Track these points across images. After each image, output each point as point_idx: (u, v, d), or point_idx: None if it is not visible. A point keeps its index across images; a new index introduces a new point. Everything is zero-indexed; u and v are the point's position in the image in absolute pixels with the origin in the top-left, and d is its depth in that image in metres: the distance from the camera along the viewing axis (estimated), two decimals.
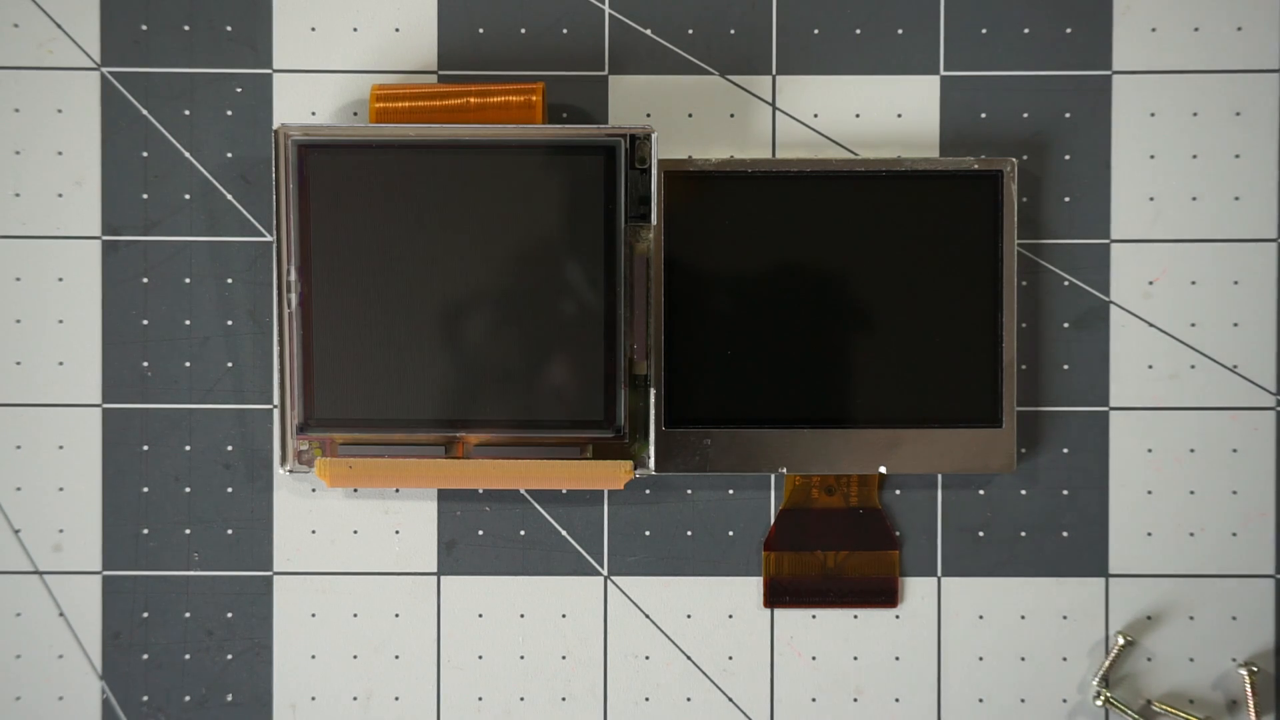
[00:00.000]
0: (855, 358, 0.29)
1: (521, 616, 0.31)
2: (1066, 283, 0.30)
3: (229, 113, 0.30)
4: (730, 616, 0.31)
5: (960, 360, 0.29)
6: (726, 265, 0.29)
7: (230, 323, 0.31)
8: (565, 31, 0.31)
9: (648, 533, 0.31)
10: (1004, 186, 0.29)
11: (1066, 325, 0.30)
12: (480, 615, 0.31)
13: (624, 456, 0.29)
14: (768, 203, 0.29)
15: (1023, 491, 0.31)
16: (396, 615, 0.31)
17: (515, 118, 0.29)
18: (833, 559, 0.30)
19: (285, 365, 0.29)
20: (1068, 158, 0.30)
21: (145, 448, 0.31)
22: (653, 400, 0.29)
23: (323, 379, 0.29)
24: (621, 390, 0.29)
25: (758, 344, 0.29)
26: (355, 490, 0.31)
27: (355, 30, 0.31)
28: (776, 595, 0.30)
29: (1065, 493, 0.31)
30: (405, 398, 0.29)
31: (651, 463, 0.29)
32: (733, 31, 0.31)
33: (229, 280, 0.30)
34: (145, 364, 0.30)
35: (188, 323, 0.30)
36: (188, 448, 0.31)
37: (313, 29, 0.30)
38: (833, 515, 0.30)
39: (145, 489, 0.31)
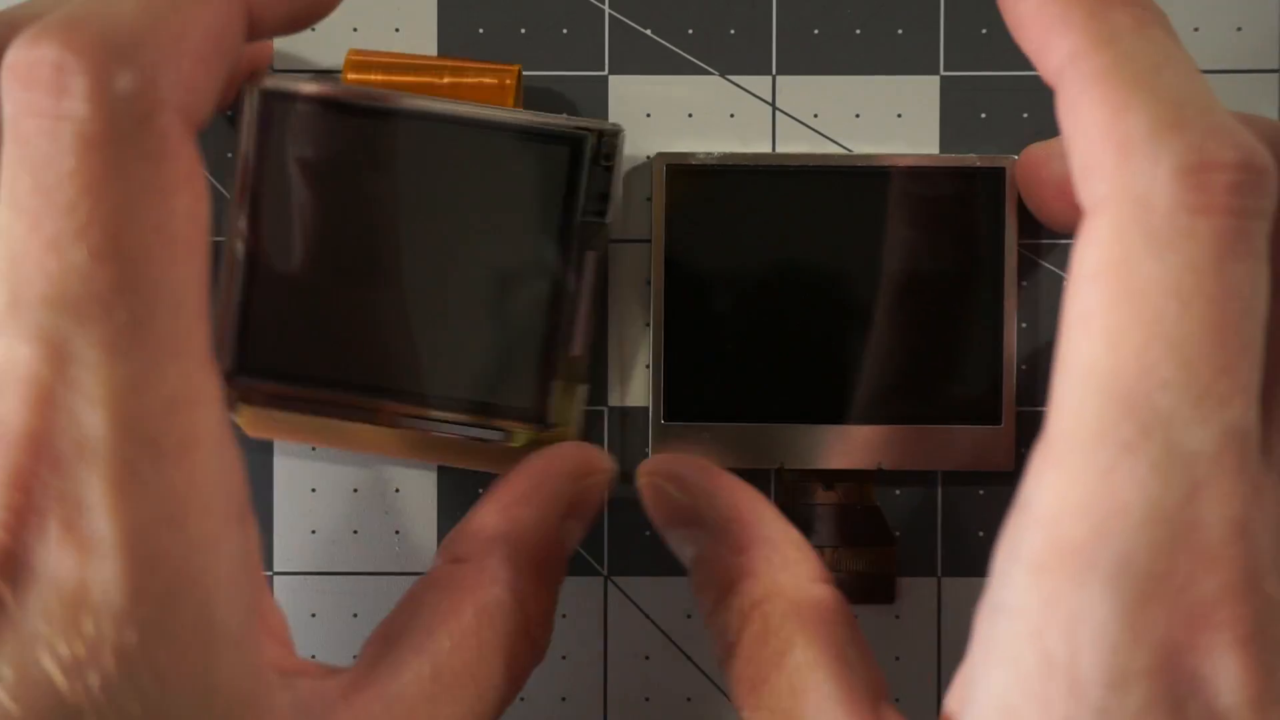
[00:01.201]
0: (855, 354, 0.29)
1: None
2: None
3: (228, 112, 0.30)
4: None
5: (960, 358, 0.29)
6: (727, 260, 0.29)
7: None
8: (565, 31, 0.31)
9: (648, 533, 0.31)
10: (1006, 184, 0.29)
11: None
12: None
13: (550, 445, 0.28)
14: (769, 197, 0.29)
15: None
16: None
17: (488, 98, 0.28)
18: (829, 555, 0.30)
19: (226, 312, 0.28)
20: None
21: None
22: (581, 398, 0.28)
23: (259, 329, 0.28)
24: (555, 384, 0.28)
25: (758, 339, 0.29)
26: (356, 490, 0.31)
27: (355, 30, 0.31)
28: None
29: None
30: (338, 359, 0.28)
31: None
32: (733, 31, 0.31)
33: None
34: None
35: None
36: None
37: (312, 28, 0.30)
38: (830, 511, 0.30)
39: None
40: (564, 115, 0.28)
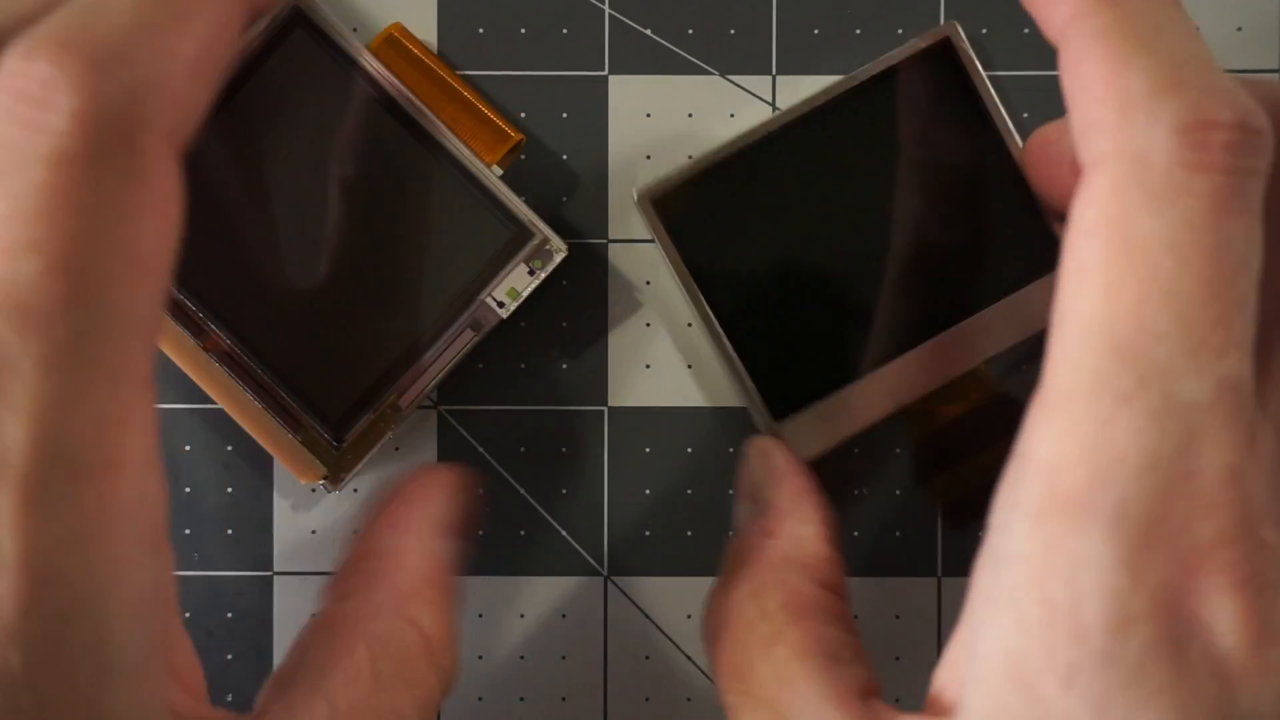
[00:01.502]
0: (909, 272, 0.28)
1: (521, 616, 0.31)
2: None
3: None
4: None
5: (1001, 226, 0.28)
6: (752, 248, 0.29)
7: None
8: (565, 31, 0.31)
9: (648, 533, 0.31)
10: (958, 49, 0.28)
11: None
12: (480, 615, 0.31)
13: (328, 461, 0.29)
14: (756, 176, 0.28)
15: None
16: None
17: (476, 145, 0.28)
18: (988, 456, 0.29)
19: None
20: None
21: None
22: (375, 444, 0.28)
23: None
24: (366, 418, 0.28)
25: (815, 303, 0.28)
26: (356, 490, 0.31)
27: (355, 30, 0.31)
28: (958, 518, 0.30)
29: None
30: (213, 277, 0.28)
31: (331, 484, 0.29)
32: (733, 31, 0.31)
33: None
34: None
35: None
36: (188, 448, 0.31)
37: None
38: (964, 420, 0.30)
39: None
40: (527, 206, 0.28)
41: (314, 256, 0.28)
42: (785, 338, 0.28)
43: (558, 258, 0.28)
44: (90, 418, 0.18)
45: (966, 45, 0.28)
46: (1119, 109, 0.19)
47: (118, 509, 0.18)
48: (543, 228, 0.28)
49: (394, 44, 0.29)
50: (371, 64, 0.28)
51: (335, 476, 0.29)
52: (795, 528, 0.26)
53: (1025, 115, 0.30)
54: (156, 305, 0.19)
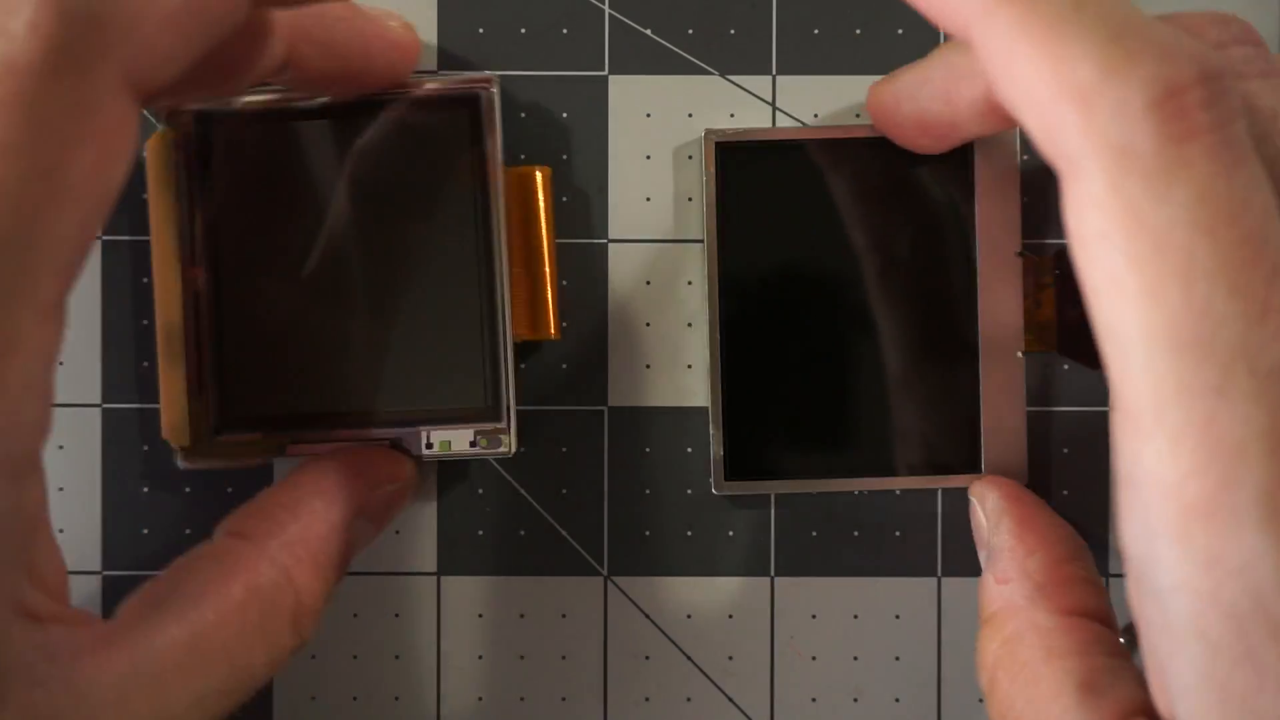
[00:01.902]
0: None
1: (521, 616, 0.31)
2: None
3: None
4: (730, 616, 0.31)
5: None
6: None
7: None
8: (565, 31, 0.31)
9: (648, 533, 0.31)
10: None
11: None
12: (480, 615, 0.31)
13: (198, 438, 0.29)
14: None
15: None
16: (396, 615, 0.31)
17: (517, 313, 0.29)
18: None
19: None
20: None
21: (145, 448, 0.31)
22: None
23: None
24: (258, 432, 0.28)
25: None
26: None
27: None
28: (1070, 343, 0.29)
29: (1065, 493, 0.31)
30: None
31: (184, 457, 0.29)
32: (733, 31, 0.31)
33: None
34: (145, 364, 0.30)
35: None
36: None
37: None
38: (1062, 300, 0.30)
39: (145, 488, 0.31)
40: (514, 396, 0.28)
41: (331, 280, 0.28)
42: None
43: (500, 453, 0.28)
44: None
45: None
46: (1079, 105, 0.18)
47: None
48: (512, 422, 0.28)
49: (523, 180, 0.29)
50: (496, 181, 0.28)
51: (190, 455, 0.29)
52: (1024, 565, 0.26)
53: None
54: (78, 236, 0.19)
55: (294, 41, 0.25)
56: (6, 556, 0.20)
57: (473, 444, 0.28)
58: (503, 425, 0.28)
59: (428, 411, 0.28)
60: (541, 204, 0.29)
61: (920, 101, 0.27)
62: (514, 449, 0.28)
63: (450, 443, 0.28)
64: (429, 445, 0.28)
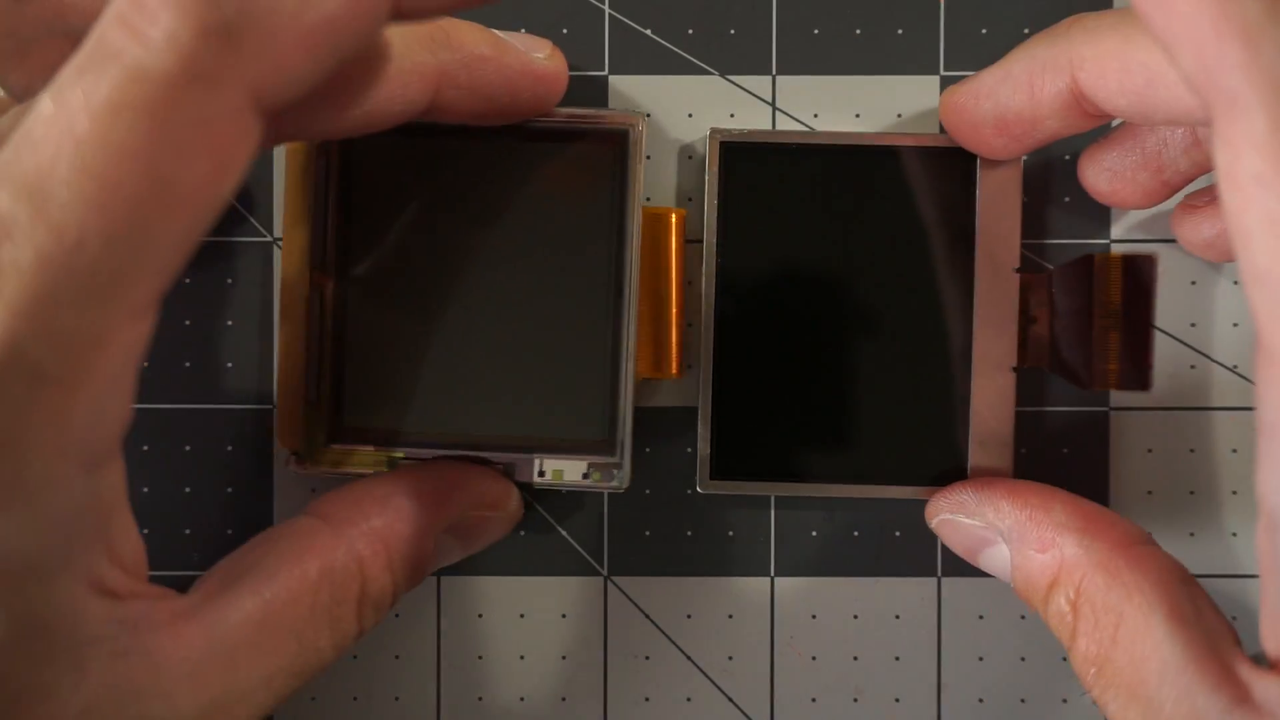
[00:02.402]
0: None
1: (521, 616, 0.31)
2: None
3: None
4: (730, 616, 0.31)
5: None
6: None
7: (230, 323, 0.31)
8: (565, 31, 0.31)
9: (648, 533, 0.31)
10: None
11: None
12: (480, 615, 0.31)
13: (311, 445, 0.29)
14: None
15: None
16: (397, 615, 0.31)
17: (640, 350, 0.29)
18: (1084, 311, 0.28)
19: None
20: (1068, 158, 0.30)
21: (145, 448, 0.31)
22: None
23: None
24: (373, 446, 0.29)
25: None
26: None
27: None
28: (1062, 362, 0.29)
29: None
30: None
31: (297, 464, 0.29)
32: (733, 31, 0.31)
33: (229, 280, 0.31)
34: (145, 364, 0.30)
35: (188, 323, 0.30)
36: (188, 448, 0.31)
37: None
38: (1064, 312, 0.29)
39: (145, 489, 0.31)
40: (631, 431, 0.28)
41: (458, 301, 0.28)
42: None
43: (612, 487, 0.28)
44: (66, 328, 0.18)
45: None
46: (1244, 41, 0.18)
47: (63, 422, 0.19)
48: (627, 457, 0.28)
49: (657, 220, 0.29)
50: (635, 218, 0.28)
51: (303, 461, 0.29)
52: (1056, 521, 0.26)
53: None
54: (180, 242, 0.19)
55: (439, 87, 0.25)
56: (85, 539, 0.20)
57: (585, 475, 0.28)
58: (616, 459, 0.28)
59: (542, 440, 0.29)
60: (674, 245, 0.29)
61: (1001, 98, 0.27)
62: (627, 484, 0.28)
63: (563, 472, 0.28)
64: (541, 473, 0.28)
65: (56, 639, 0.20)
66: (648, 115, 0.29)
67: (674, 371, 0.29)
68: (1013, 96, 0.26)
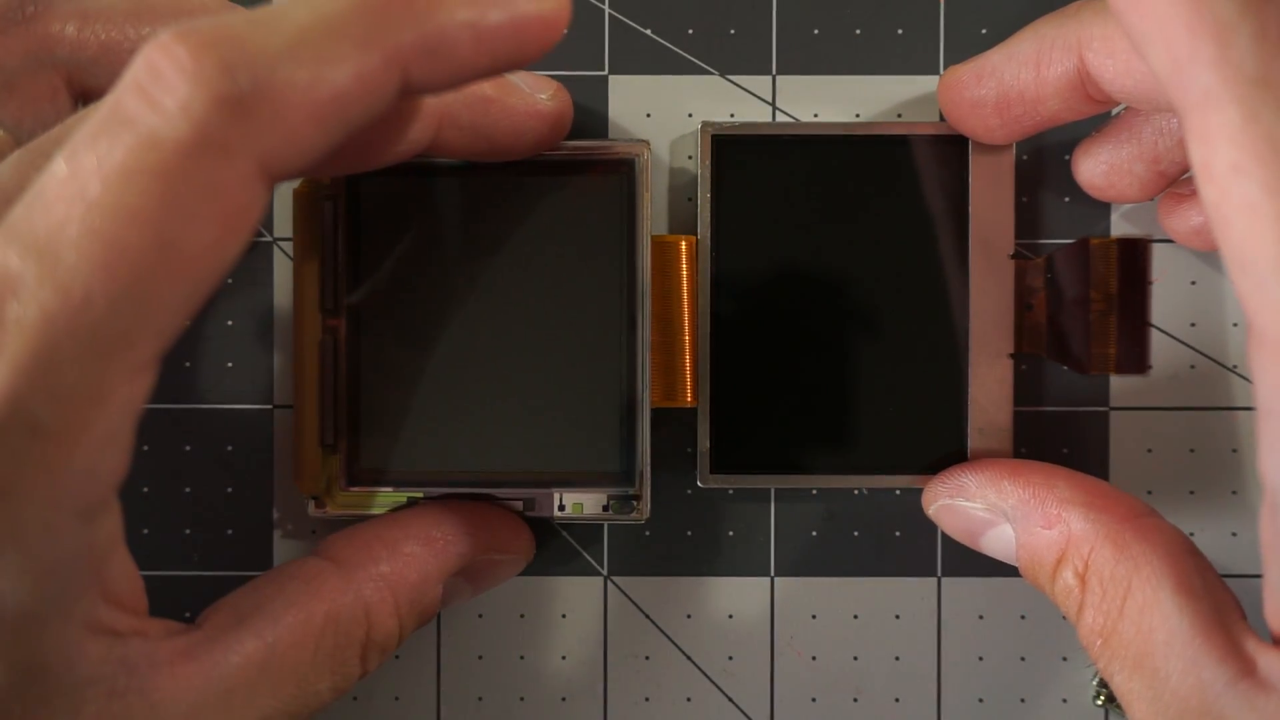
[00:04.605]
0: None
1: (521, 616, 0.31)
2: None
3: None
4: (730, 616, 0.31)
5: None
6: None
7: (230, 323, 0.31)
8: (565, 31, 0.30)
9: (648, 533, 0.31)
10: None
11: None
12: (480, 615, 0.31)
13: (329, 488, 0.29)
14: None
15: None
16: None
17: (653, 379, 0.29)
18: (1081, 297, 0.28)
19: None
20: (1067, 158, 0.30)
21: (145, 448, 0.31)
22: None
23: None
24: (391, 488, 0.29)
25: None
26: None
27: None
28: (1060, 347, 0.29)
29: None
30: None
31: (317, 506, 0.29)
32: (733, 31, 0.31)
33: (229, 280, 0.31)
34: None
35: (187, 322, 0.30)
36: (188, 448, 0.31)
37: None
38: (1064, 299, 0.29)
39: (145, 489, 0.31)
40: (649, 459, 0.28)
41: (470, 338, 0.28)
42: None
43: (631, 518, 0.28)
44: (66, 385, 0.18)
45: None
46: (1217, 39, 0.19)
47: (59, 475, 0.19)
48: (646, 487, 0.28)
49: (666, 249, 0.29)
50: (644, 247, 0.28)
51: (322, 503, 0.29)
52: (1059, 497, 0.26)
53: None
54: (183, 305, 0.19)
55: (441, 126, 0.25)
56: (81, 584, 0.20)
57: (605, 508, 0.28)
58: (635, 490, 0.28)
59: (559, 473, 0.29)
60: (684, 273, 0.29)
61: (1005, 75, 0.26)
62: (647, 514, 0.28)
63: (583, 505, 0.28)
64: (561, 507, 0.28)
65: (53, 681, 0.20)
66: (649, 143, 0.29)
67: (688, 400, 0.29)
68: (1018, 74, 0.26)
